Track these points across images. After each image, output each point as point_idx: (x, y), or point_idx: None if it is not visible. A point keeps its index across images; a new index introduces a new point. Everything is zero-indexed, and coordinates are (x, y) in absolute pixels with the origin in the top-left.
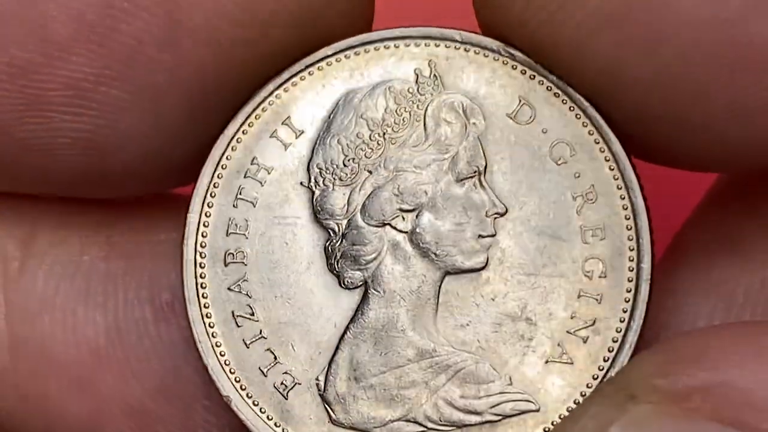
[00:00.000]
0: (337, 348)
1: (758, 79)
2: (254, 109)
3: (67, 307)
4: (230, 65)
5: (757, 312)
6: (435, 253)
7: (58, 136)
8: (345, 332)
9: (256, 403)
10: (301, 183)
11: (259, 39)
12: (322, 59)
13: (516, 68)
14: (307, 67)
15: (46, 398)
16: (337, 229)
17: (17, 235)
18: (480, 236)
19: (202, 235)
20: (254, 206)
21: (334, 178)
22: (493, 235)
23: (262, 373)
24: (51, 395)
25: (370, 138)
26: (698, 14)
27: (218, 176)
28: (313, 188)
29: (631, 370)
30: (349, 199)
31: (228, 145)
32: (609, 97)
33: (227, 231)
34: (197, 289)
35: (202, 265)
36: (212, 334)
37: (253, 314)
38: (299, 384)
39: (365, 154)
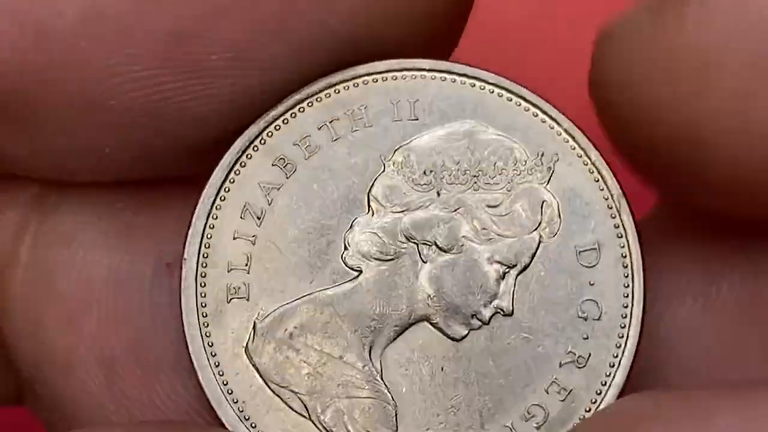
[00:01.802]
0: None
1: None
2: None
3: (83, 246)
4: (380, 19)
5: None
6: (429, 297)
7: (213, 102)
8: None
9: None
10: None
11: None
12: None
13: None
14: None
15: (41, 326)
16: (371, 213)
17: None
18: (473, 315)
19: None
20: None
21: (408, 174)
22: (485, 323)
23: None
24: (45, 324)
25: (463, 172)
26: None
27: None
28: (384, 167)
29: None
30: (404, 198)
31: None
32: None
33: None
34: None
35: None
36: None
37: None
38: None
39: (448, 180)
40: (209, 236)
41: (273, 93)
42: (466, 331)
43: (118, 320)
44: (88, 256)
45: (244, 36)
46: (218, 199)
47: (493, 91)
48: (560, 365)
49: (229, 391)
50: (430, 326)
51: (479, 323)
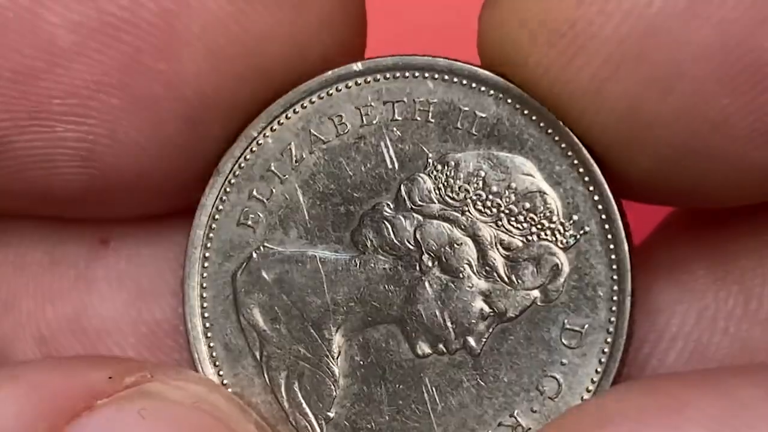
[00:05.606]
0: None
1: None
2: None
3: (17, 235)
4: (229, 78)
5: (689, 343)
6: (410, 305)
7: (58, 146)
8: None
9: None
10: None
11: (255, 53)
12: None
13: None
14: None
15: None
16: (396, 203)
17: None
18: (443, 340)
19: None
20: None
21: (445, 184)
22: (450, 353)
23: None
24: None
25: (494, 204)
26: (711, 41)
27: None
28: (426, 166)
29: None
30: (430, 203)
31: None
32: (629, 146)
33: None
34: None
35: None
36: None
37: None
38: None
39: (477, 205)
40: (247, 158)
41: (122, 143)
42: (430, 352)
43: (53, 298)
44: (22, 245)
45: (86, 84)
46: (268, 129)
47: (558, 140)
48: (498, 425)
49: (203, 305)
50: (399, 332)
51: (443, 350)
